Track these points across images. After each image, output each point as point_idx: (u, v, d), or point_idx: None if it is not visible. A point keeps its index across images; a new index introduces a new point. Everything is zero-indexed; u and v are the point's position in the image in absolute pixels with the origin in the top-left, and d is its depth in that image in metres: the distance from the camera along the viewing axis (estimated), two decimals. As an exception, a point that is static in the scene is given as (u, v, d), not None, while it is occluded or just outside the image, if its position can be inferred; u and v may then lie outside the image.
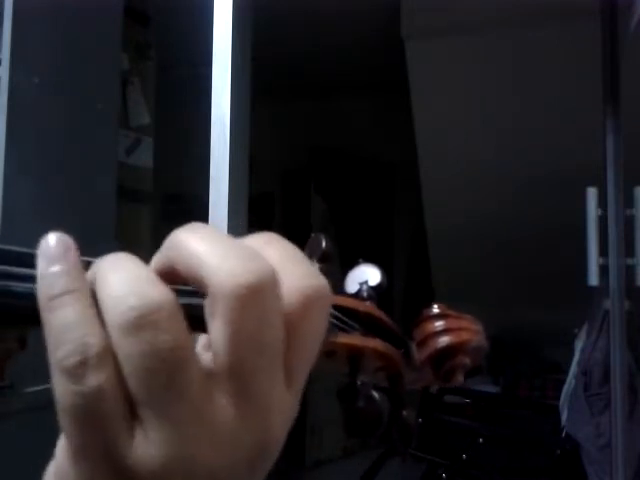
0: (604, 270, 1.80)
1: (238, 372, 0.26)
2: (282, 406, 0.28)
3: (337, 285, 0.45)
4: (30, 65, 1.75)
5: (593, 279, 1.81)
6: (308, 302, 0.28)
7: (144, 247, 2.54)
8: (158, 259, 0.29)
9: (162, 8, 2.64)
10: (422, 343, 0.49)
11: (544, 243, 2.99)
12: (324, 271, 0.41)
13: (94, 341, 0.25)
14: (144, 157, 2.56)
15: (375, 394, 0.42)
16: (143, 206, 2.61)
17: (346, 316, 0.43)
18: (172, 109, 2.97)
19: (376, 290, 0.47)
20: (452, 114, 3.01)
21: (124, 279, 0.26)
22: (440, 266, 3.49)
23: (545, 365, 3.34)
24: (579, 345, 2.26)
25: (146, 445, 0.25)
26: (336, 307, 0.42)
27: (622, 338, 1.79)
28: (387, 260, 4.14)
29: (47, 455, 0.29)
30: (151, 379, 0.25)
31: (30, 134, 1.74)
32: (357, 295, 0.47)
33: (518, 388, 3.36)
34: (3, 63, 1.67)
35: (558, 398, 2.42)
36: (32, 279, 0.27)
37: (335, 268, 0.43)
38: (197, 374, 0.26)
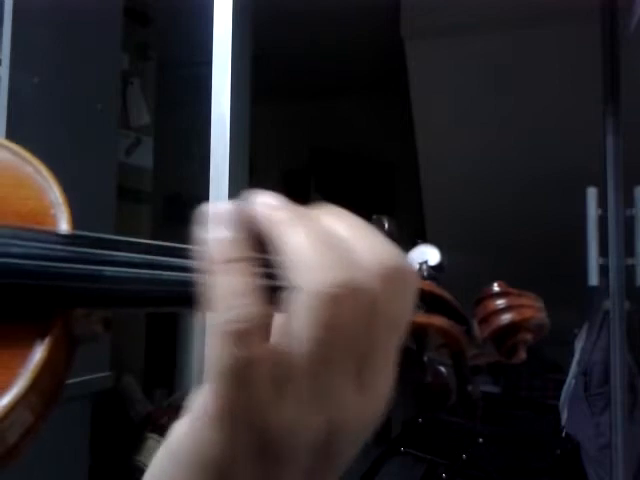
0: (604, 270, 1.80)
1: (370, 349, 0.27)
2: (353, 409, 0.28)
3: None
4: (30, 65, 1.75)
5: (593, 279, 1.81)
6: (388, 273, 0.28)
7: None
8: (256, 216, 0.29)
9: (162, 8, 2.64)
10: (484, 320, 0.49)
11: (544, 243, 2.99)
12: None
13: (261, 312, 0.26)
14: (144, 157, 2.57)
15: (442, 369, 0.44)
16: (143, 206, 2.62)
17: None
18: (172, 109, 2.96)
19: (436, 269, 0.49)
20: (452, 114, 3.01)
21: (324, 245, 0.27)
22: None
23: (545, 365, 3.34)
24: (579, 345, 2.26)
25: (289, 406, 0.26)
26: None
27: (622, 338, 1.79)
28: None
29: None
30: (326, 350, 0.26)
31: (30, 134, 1.74)
32: (418, 274, 0.48)
33: (518, 388, 3.36)
34: (3, 63, 1.67)
35: (558, 398, 2.42)
36: (122, 264, 0.30)
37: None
38: (358, 351, 0.27)
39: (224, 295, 0.26)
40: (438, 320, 0.45)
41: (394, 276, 0.27)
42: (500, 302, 0.50)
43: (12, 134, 1.66)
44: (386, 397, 0.29)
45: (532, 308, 0.50)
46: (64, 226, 0.34)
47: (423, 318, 0.44)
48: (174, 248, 0.31)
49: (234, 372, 0.26)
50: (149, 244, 0.32)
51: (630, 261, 1.80)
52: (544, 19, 2.54)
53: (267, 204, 0.30)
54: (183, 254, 0.30)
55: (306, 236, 0.27)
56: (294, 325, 0.26)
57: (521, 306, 0.50)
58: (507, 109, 2.89)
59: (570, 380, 2.29)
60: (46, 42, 1.81)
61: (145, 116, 2.57)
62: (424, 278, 0.48)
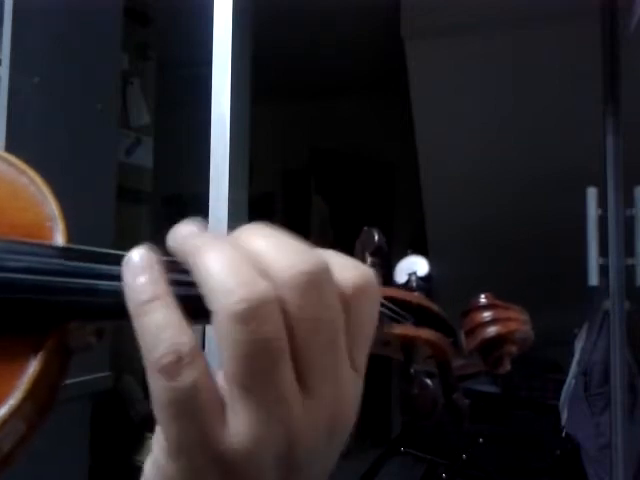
0: (604, 270, 1.80)
1: (303, 353, 0.28)
2: (349, 382, 0.29)
3: (387, 277, 0.48)
4: (30, 65, 1.75)
5: (593, 279, 1.81)
6: (359, 285, 0.30)
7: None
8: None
9: (162, 8, 2.64)
10: (471, 332, 0.50)
11: (544, 243, 2.99)
12: (376, 264, 0.46)
13: (186, 340, 0.27)
14: (144, 157, 2.57)
15: (428, 381, 0.44)
16: (143, 206, 2.62)
17: (399, 307, 0.45)
18: (172, 109, 2.97)
19: (425, 280, 0.49)
20: (452, 114, 3.01)
21: (227, 265, 0.28)
22: (440, 266, 3.49)
23: (545, 365, 3.34)
24: (579, 345, 2.26)
25: (238, 426, 0.27)
26: (389, 299, 0.45)
27: (622, 338, 1.79)
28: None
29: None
30: (251, 363, 0.27)
31: (30, 134, 1.74)
32: (406, 285, 0.49)
33: (518, 388, 3.36)
34: (3, 63, 1.67)
35: (558, 398, 2.41)
36: (116, 278, 0.30)
37: (386, 261, 0.44)
38: (289, 364, 0.28)
39: (150, 334, 0.27)
40: (425, 333, 0.46)
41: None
42: (487, 315, 0.51)
43: (12, 134, 1.66)
44: (343, 401, 0.29)
45: (517, 321, 0.51)
46: (59, 238, 0.34)
47: (411, 330, 0.45)
48: (171, 262, 0.31)
49: (172, 405, 0.27)
50: None
51: (630, 261, 1.80)
52: (544, 19, 2.54)
53: (180, 235, 0.30)
54: (179, 267, 0.30)
55: (214, 260, 0.28)
56: (219, 347, 0.27)
57: (507, 319, 0.51)
58: (507, 109, 2.89)
59: (570, 380, 2.29)
60: (46, 42, 1.81)
61: (145, 116, 2.57)
62: (413, 289, 0.49)
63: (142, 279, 0.29)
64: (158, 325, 0.27)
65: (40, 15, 1.78)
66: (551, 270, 2.99)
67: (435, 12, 2.71)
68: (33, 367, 0.30)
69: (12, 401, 0.29)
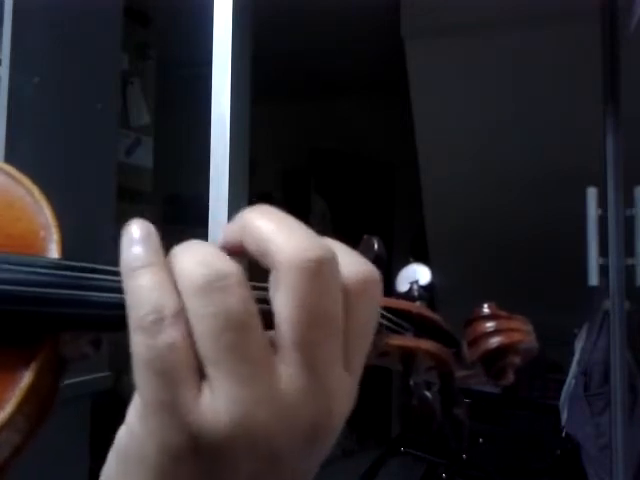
0: (604, 270, 1.80)
1: (301, 342, 0.28)
2: (342, 386, 0.29)
3: (387, 286, 0.47)
4: (30, 65, 1.75)
5: (593, 279, 1.81)
6: (364, 282, 0.30)
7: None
8: (226, 235, 0.32)
9: (162, 8, 2.64)
10: (473, 343, 0.49)
11: (544, 243, 2.99)
12: None
13: (169, 303, 0.28)
14: (144, 157, 2.57)
15: (427, 394, 0.43)
16: (143, 206, 2.62)
17: (399, 317, 0.44)
18: (172, 109, 2.97)
19: (427, 289, 0.49)
20: (452, 114, 3.01)
21: (195, 254, 0.29)
22: (440, 266, 3.49)
23: (545, 365, 3.34)
24: (579, 345, 2.26)
25: (211, 401, 0.27)
26: (389, 309, 0.44)
27: (622, 338, 1.79)
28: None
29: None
30: (220, 337, 0.27)
31: (30, 134, 1.74)
32: (408, 294, 0.49)
33: (518, 388, 3.36)
34: (3, 63, 1.67)
35: (558, 398, 2.42)
36: (108, 289, 0.31)
37: (386, 271, 0.44)
38: (261, 339, 0.28)
39: (137, 294, 0.28)
40: (426, 344, 0.45)
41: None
42: (489, 325, 0.50)
43: (12, 134, 1.66)
44: (329, 401, 0.28)
45: (521, 332, 0.50)
46: (54, 249, 0.34)
47: (411, 341, 0.44)
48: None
49: (148, 363, 0.27)
50: None
51: (630, 261, 1.80)
52: (544, 19, 2.54)
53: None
54: None
55: (186, 255, 0.29)
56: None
57: (510, 330, 0.50)
58: (507, 109, 2.89)
59: (570, 380, 2.29)
60: (46, 42, 1.81)
61: (145, 116, 2.57)
62: (414, 298, 0.48)
63: (137, 248, 0.30)
64: (146, 287, 0.28)
65: (40, 15, 1.78)
66: (551, 270, 2.99)
67: (435, 12, 2.71)
68: (25, 379, 0.30)
69: (3, 414, 0.29)
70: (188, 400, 0.27)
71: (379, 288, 0.31)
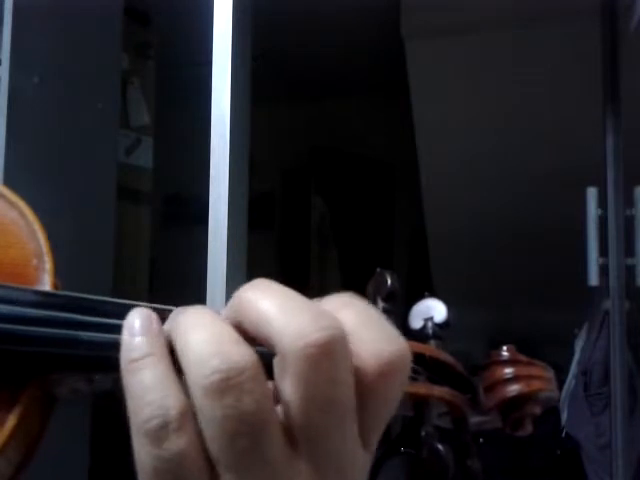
0: (604, 270, 1.80)
1: (313, 434, 0.26)
2: (356, 465, 0.27)
3: (400, 322, 0.44)
4: (30, 65, 1.75)
5: (593, 279, 1.81)
6: (384, 368, 0.27)
7: (144, 247, 2.54)
8: (226, 316, 0.28)
9: (162, 8, 2.64)
10: (490, 389, 0.46)
11: (544, 243, 2.99)
12: (388, 310, 0.42)
13: (174, 403, 0.25)
14: (144, 157, 2.56)
15: (439, 446, 0.40)
16: (143, 206, 2.61)
17: (411, 360, 0.41)
18: (172, 109, 2.96)
19: (442, 327, 0.45)
20: (452, 114, 3.00)
21: (206, 338, 0.26)
22: (440, 266, 3.49)
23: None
24: (579, 345, 2.26)
25: None
26: None
27: (622, 338, 1.79)
28: (387, 260, 4.14)
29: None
30: (234, 442, 0.24)
31: (30, 134, 1.74)
32: (421, 332, 0.45)
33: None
34: (3, 63, 1.67)
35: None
36: (100, 327, 0.29)
37: (400, 307, 0.41)
38: (279, 437, 0.25)
39: (137, 393, 0.26)
40: (440, 391, 0.42)
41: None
42: (508, 371, 0.47)
43: (12, 134, 1.66)
44: None
45: (541, 379, 0.48)
46: (46, 278, 0.32)
47: (423, 389, 0.42)
48: (163, 310, 0.29)
49: (156, 473, 0.25)
50: (133, 305, 0.30)
51: (630, 261, 1.80)
52: (544, 19, 2.54)
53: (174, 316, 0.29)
54: (168, 316, 0.29)
55: (192, 333, 0.26)
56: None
57: (529, 377, 0.47)
58: (507, 109, 2.89)
59: (570, 380, 2.29)
60: (46, 42, 1.81)
61: (145, 116, 2.57)
62: (428, 337, 0.45)
63: (138, 338, 0.27)
64: (145, 385, 0.26)
65: (40, 15, 1.78)
66: (551, 270, 2.99)
67: (435, 12, 2.70)
68: (9, 421, 0.28)
69: None
70: None
71: (406, 368, 0.28)
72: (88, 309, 0.30)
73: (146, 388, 0.26)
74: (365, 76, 3.81)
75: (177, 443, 0.25)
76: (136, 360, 0.26)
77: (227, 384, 0.24)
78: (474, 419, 0.45)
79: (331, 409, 0.25)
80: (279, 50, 3.12)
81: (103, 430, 2.17)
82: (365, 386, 0.26)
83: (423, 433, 0.41)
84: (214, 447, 0.25)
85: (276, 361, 0.26)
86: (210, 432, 0.25)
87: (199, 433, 0.25)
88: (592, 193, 1.83)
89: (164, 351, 0.27)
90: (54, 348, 0.29)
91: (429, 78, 2.93)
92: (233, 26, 1.24)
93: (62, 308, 0.29)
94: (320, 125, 4.21)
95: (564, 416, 2.34)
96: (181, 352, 0.26)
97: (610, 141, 1.82)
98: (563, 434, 2.35)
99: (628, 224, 1.82)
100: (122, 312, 0.29)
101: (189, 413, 0.25)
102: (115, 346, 0.28)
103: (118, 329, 0.28)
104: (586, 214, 1.82)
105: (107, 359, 0.27)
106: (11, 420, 0.28)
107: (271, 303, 0.26)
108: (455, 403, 0.43)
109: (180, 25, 2.62)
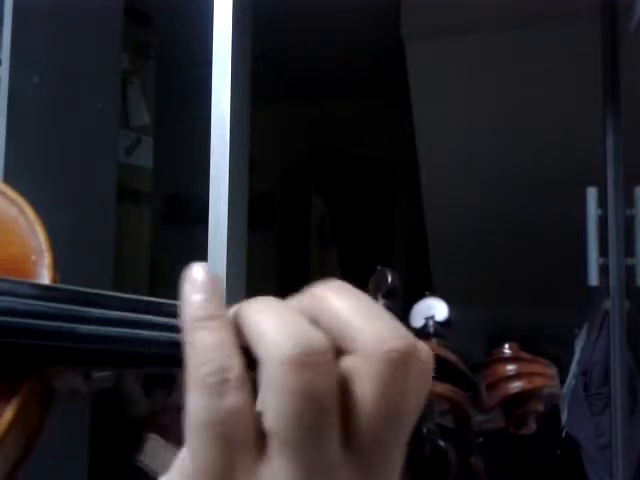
0: (604, 270, 1.80)
1: (375, 440, 0.25)
2: (398, 475, 0.27)
3: (401, 320, 0.44)
4: (30, 65, 1.75)
5: (593, 279, 1.81)
6: (394, 360, 0.26)
7: (144, 247, 2.54)
8: (301, 306, 0.28)
9: (162, 8, 2.64)
10: (493, 386, 0.46)
11: (544, 243, 2.99)
12: (389, 307, 0.41)
13: (236, 364, 0.26)
14: (144, 157, 2.57)
15: (442, 443, 0.40)
16: (143, 206, 2.62)
17: None
18: (172, 109, 2.97)
19: (443, 325, 0.45)
20: (452, 114, 3.01)
21: (280, 318, 0.26)
22: (440, 266, 3.49)
23: (545, 365, 3.33)
24: (579, 345, 2.26)
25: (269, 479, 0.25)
26: None
27: (622, 338, 1.79)
28: (387, 260, 4.14)
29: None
30: (301, 418, 0.25)
31: (30, 134, 1.74)
32: (422, 331, 0.45)
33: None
34: (3, 63, 1.67)
35: (558, 398, 2.41)
36: (99, 321, 0.29)
37: (400, 304, 0.41)
38: (338, 434, 0.25)
39: (201, 350, 0.26)
40: (441, 387, 0.42)
41: (399, 359, 0.26)
42: (510, 368, 0.47)
43: (12, 134, 1.66)
44: None
45: (544, 376, 0.48)
46: (45, 273, 0.33)
47: None
48: (162, 304, 0.29)
49: (209, 426, 0.25)
50: (134, 299, 0.31)
51: (630, 261, 1.80)
52: (544, 19, 2.54)
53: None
54: (169, 311, 0.29)
55: (268, 317, 0.27)
56: (264, 399, 0.26)
57: (532, 374, 0.47)
58: (507, 109, 2.89)
59: (570, 380, 2.29)
60: (46, 42, 1.81)
61: (145, 116, 2.57)
62: (429, 335, 0.45)
63: (203, 296, 0.27)
64: (211, 343, 0.26)
65: (40, 15, 1.78)
66: (551, 270, 2.99)
67: (435, 12, 2.71)
68: (6, 414, 0.28)
69: None
70: (244, 472, 0.25)
71: (416, 361, 0.27)
72: (87, 302, 0.30)
73: (209, 346, 0.26)
74: (365, 76, 3.81)
75: (235, 399, 0.25)
76: (202, 319, 0.27)
77: (309, 359, 0.25)
78: (476, 418, 0.45)
79: (399, 420, 0.26)
80: (279, 50, 3.12)
81: (103, 430, 2.17)
82: (372, 382, 0.26)
83: (425, 430, 0.40)
84: (276, 422, 0.25)
85: (350, 361, 0.26)
86: (277, 405, 0.25)
87: (255, 403, 0.25)
88: (592, 193, 1.83)
89: (226, 314, 0.28)
90: (52, 341, 0.29)
91: (429, 78, 2.93)
92: (233, 26, 1.24)
93: (61, 301, 0.29)
94: (320, 125, 4.21)
95: (564, 416, 2.34)
96: (254, 330, 0.26)
97: (610, 141, 1.82)
98: (563, 434, 2.36)
99: (628, 224, 1.82)
100: (120, 306, 0.30)
101: (247, 379, 0.26)
102: (113, 340, 0.28)
103: (116, 323, 0.28)
104: (586, 214, 1.82)
105: (106, 352, 0.27)
106: (9, 412, 0.28)
107: (352, 304, 0.27)
108: (457, 400, 0.43)
109: (180, 25, 2.63)
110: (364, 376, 0.25)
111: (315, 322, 0.27)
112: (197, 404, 0.25)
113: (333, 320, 0.27)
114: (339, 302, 0.27)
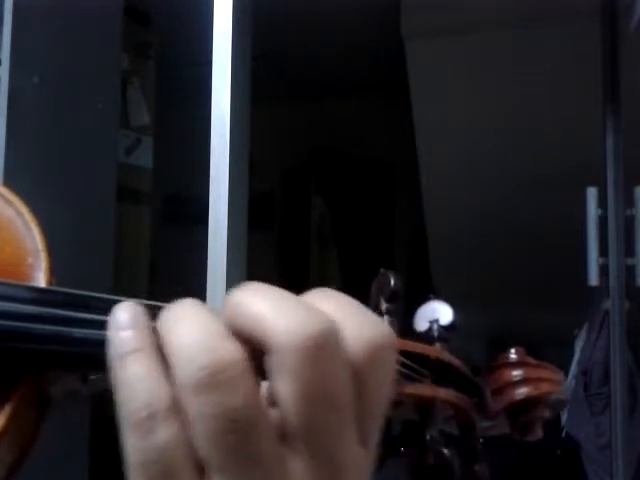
0: (604, 270, 1.80)
1: (311, 431, 0.25)
2: (357, 464, 0.26)
3: (404, 324, 0.43)
4: (30, 65, 1.75)
5: (593, 279, 1.81)
6: (374, 352, 0.27)
7: (144, 247, 2.54)
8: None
9: (162, 8, 2.64)
10: (498, 392, 0.45)
11: (544, 243, 2.99)
12: (392, 311, 0.41)
13: (162, 395, 0.25)
14: (144, 157, 2.56)
15: (445, 451, 0.39)
16: (143, 206, 2.62)
17: (416, 362, 0.40)
18: (172, 109, 2.97)
19: (448, 329, 0.44)
20: (452, 114, 3.01)
21: (194, 333, 0.26)
22: (440, 266, 3.49)
23: (545, 365, 3.33)
24: (579, 345, 2.26)
25: None
26: (405, 353, 0.40)
27: (622, 338, 1.79)
28: (387, 260, 4.14)
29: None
30: (221, 440, 0.24)
31: (30, 134, 1.74)
32: (427, 335, 0.44)
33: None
34: (3, 63, 1.67)
35: (558, 398, 2.41)
36: (93, 324, 0.28)
37: (403, 307, 0.40)
38: (269, 435, 0.25)
39: (124, 386, 0.26)
40: (445, 393, 0.41)
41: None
42: (516, 373, 0.46)
43: (12, 134, 1.66)
44: None
45: (550, 382, 0.47)
46: (41, 276, 0.32)
47: (428, 390, 0.40)
48: (158, 307, 0.29)
49: (143, 466, 0.25)
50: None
51: (630, 261, 1.80)
52: (544, 19, 2.54)
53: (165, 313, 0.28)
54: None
55: (182, 330, 0.26)
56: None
57: (538, 379, 0.46)
58: (507, 109, 2.89)
59: (570, 380, 2.29)
60: (46, 42, 1.81)
61: (145, 116, 2.57)
62: (433, 339, 0.44)
63: (125, 333, 0.27)
64: (135, 377, 0.26)
65: (40, 15, 1.78)
66: (551, 270, 2.99)
67: (435, 12, 2.70)
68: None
69: None
70: None
71: (393, 352, 0.28)
72: (82, 306, 0.29)
73: (134, 381, 0.26)
74: (365, 76, 3.81)
75: (165, 435, 0.25)
76: (124, 355, 0.26)
77: (213, 380, 0.24)
78: (481, 424, 0.44)
79: (327, 404, 0.25)
80: (279, 50, 3.12)
81: (103, 430, 2.17)
82: (356, 375, 0.26)
83: (428, 437, 0.40)
84: (203, 446, 0.24)
85: (270, 359, 0.25)
86: (198, 430, 0.24)
87: (187, 431, 0.25)
88: (592, 193, 1.83)
89: (152, 346, 0.27)
90: (47, 345, 0.28)
91: (429, 78, 2.93)
92: (233, 26, 1.24)
93: (55, 305, 0.29)
94: (320, 125, 4.20)
95: (564, 416, 2.34)
96: (168, 347, 0.26)
97: (610, 141, 1.82)
98: (563, 434, 2.35)
99: (628, 224, 1.82)
100: None
101: (177, 408, 0.25)
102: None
103: None
104: (586, 214, 1.82)
105: (101, 357, 0.27)
106: (1, 419, 0.28)
107: (263, 303, 0.26)
108: (461, 406, 0.42)
109: (180, 25, 2.62)
110: (282, 372, 0.25)
111: (238, 330, 0.26)
112: (130, 443, 0.25)
113: (251, 323, 0.26)
114: (253, 303, 0.27)
